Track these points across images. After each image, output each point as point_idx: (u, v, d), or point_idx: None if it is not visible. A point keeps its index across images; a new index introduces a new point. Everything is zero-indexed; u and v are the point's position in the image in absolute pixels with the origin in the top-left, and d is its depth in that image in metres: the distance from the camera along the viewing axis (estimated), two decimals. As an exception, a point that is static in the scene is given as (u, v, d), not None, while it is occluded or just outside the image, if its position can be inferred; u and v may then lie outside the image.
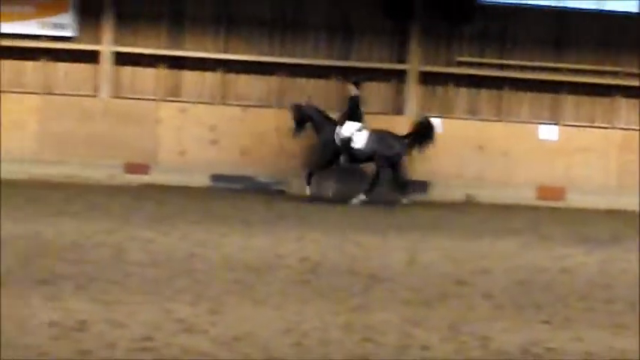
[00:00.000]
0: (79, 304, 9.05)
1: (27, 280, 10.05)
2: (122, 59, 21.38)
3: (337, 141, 19.35)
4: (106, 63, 21.26)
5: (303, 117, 19.60)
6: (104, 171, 20.58)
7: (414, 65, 21.69)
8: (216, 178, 20.88)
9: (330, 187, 20.50)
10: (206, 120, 21.10)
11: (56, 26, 21.15)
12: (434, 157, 20.72)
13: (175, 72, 21.65)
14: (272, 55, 21.61)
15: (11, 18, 21.04)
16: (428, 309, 9.63)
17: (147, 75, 21.59)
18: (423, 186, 21.08)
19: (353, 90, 19.78)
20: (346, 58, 21.77)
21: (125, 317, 8.60)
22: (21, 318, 8.43)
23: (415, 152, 19.93)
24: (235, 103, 21.46)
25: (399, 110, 21.83)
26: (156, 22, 21.49)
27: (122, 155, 20.75)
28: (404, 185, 19.72)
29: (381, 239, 14.36)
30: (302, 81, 21.68)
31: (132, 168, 20.77)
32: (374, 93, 21.71)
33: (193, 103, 21.38)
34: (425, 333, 8.60)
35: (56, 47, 21.26)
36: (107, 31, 21.25)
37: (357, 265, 11.98)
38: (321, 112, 19.76)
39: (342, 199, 19.59)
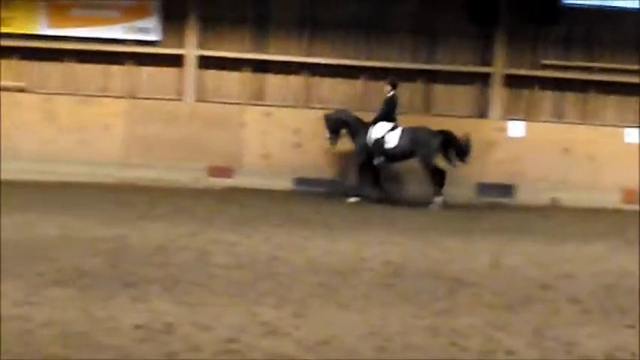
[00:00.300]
0: (165, 306, 9.14)
1: (114, 282, 10.18)
2: (206, 63, 21.54)
3: (369, 142, 19.34)
4: (190, 67, 21.43)
5: (337, 124, 19.72)
6: (189, 174, 20.73)
7: (498, 68, 21.51)
8: (299, 181, 20.92)
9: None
10: (290, 123, 21.15)
11: (141, 30, 21.39)
12: (519, 160, 20.53)
13: (259, 75, 21.74)
14: (356, 58, 21.57)
15: (97, 23, 21.34)
16: (512, 313, 9.55)
17: (231, 79, 21.71)
18: (508, 189, 20.89)
19: (389, 90, 19.63)
20: (431, 62, 21.66)
21: (210, 320, 8.66)
22: (108, 320, 8.54)
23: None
24: (319, 106, 21.46)
25: (483, 114, 21.66)
26: (240, 26, 21.60)
27: (206, 159, 20.89)
28: (439, 183, 19.30)
29: (465, 243, 14.25)
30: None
31: (216, 171, 20.91)
32: (458, 96, 21.59)
33: (277, 106, 21.44)
34: (509, 337, 8.53)
35: (141, 51, 21.49)
36: (191, 35, 21.42)
37: (441, 269, 11.91)
38: (355, 118, 19.77)
39: (415, 202, 19.47)
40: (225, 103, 21.44)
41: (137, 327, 8.32)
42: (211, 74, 21.67)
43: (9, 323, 8.27)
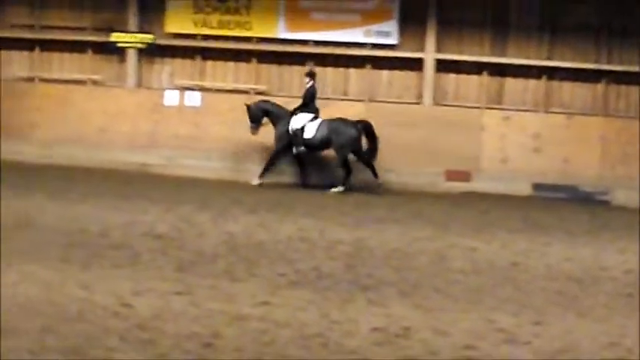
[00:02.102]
0: (402, 310, 9.13)
1: (351, 285, 10.25)
2: (444, 66, 21.43)
3: (290, 131, 19.60)
4: (428, 70, 21.37)
5: (259, 113, 19.89)
6: (425, 178, 20.68)
7: None
8: (538, 186, 20.52)
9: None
10: (529, 128, 20.76)
11: (380, 34, 21.49)
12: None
13: (498, 79, 21.45)
14: (597, 62, 20.97)
15: (336, 26, 21.61)
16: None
17: (469, 82, 21.50)
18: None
19: (308, 81, 19.92)
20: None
21: (448, 325, 8.59)
22: (345, 322, 8.60)
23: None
24: (559, 110, 20.99)
25: None
26: (479, 29, 21.37)
27: (443, 162, 20.78)
28: (371, 167, 19.50)
29: None
30: (628, 89, 20.93)
31: (453, 175, 20.77)
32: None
33: (516, 110, 21.10)
34: None
35: (380, 55, 21.60)
36: (430, 39, 21.37)
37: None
38: (277, 107, 20.03)
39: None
40: (464, 106, 21.27)
41: (374, 330, 8.34)
42: (449, 77, 21.54)
43: (249, 323, 8.45)
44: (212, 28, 21.90)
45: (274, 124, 20.00)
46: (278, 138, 19.84)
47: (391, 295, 9.78)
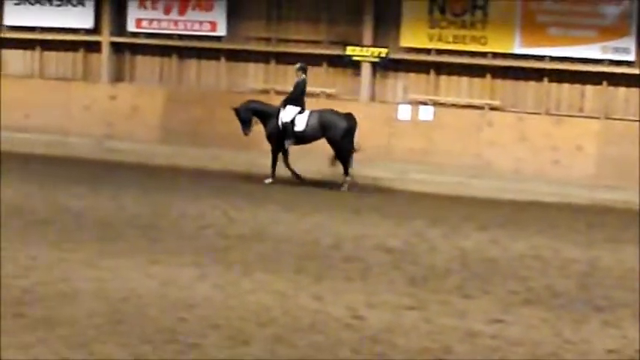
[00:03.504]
0: (638, 333, 8.89)
1: (585, 305, 10.07)
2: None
3: (280, 126, 19.57)
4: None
5: (247, 114, 19.81)
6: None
7: None
8: None
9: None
10: None
11: (618, 50, 20.99)
12: None
13: None
14: None
15: (573, 42, 21.26)
16: None
17: None
18: None
19: (299, 75, 19.80)
20: None
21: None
22: (579, 343, 8.46)
23: None
24: None
25: None
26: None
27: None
28: (344, 163, 19.34)
29: None
30: None
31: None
32: None
33: None
34: None
35: (617, 71, 21.08)
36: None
37: None
38: (263, 105, 20.08)
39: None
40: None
41: (610, 352, 8.17)
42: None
43: (481, 340, 8.46)
44: (447, 42, 21.97)
45: (264, 122, 19.99)
46: (270, 135, 19.84)
47: (626, 317, 9.55)
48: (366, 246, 13.07)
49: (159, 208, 15.40)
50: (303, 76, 20.00)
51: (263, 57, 23.74)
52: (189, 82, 24.35)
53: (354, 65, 22.58)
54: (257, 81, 23.80)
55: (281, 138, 19.72)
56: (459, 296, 10.24)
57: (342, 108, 20.70)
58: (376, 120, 22.04)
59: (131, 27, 24.71)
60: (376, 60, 22.34)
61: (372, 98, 22.64)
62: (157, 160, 19.83)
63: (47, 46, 25.69)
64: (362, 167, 19.78)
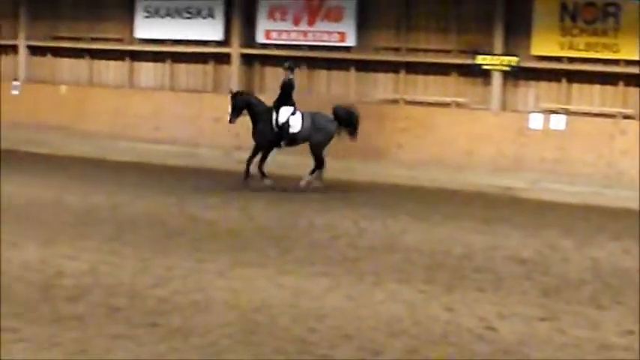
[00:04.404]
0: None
1: None
2: None
3: (274, 127, 19.31)
4: None
5: (240, 105, 19.51)
6: None
7: None
8: None
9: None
10: None
11: None
12: None
13: None
14: None
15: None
16: None
17: None
18: None
19: (286, 75, 19.58)
20: None
21: None
22: None
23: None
24: None
25: None
26: None
27: None
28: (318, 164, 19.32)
29: None
30: None
31: None
32: None
33: None
34: None
35: None
36: None
37: None
38: (259, 101, 19.74)
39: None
40: None
41: None
42: None
43: (614, 352, 8.34)
44: (579, 50, 21.59)
45: (254, 119, 19.61)
46: (261, 134, 19.44)
47: None
48: (498, 256, 12.95)
49: (288, 218, 15.55)
50: (291, 75, 19.85)
51: (392, 67, 23.72)
52: (318, 93, 24.47)
53: (484, 74, 22.38)
54: (386, 91, 23.79)
55: (277, 138, 19.53)
56: (593, 307, 10.08)
57: (472, 117, 20.57)
58: (507, 129, 21.80)
59: (260, 38, 24.97)
60: (507, 69, 22.09)
61: (503, 107, 22.39)
62: (284, 171, 20.01)
63: (177, 58, 26.18)
64: (493, 177, 19.59)
